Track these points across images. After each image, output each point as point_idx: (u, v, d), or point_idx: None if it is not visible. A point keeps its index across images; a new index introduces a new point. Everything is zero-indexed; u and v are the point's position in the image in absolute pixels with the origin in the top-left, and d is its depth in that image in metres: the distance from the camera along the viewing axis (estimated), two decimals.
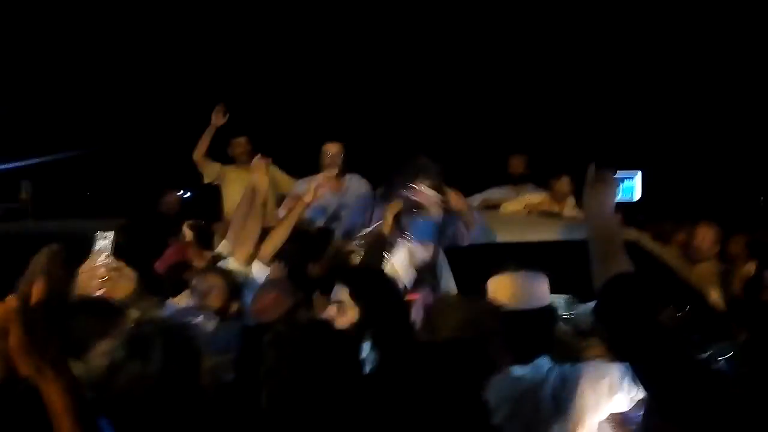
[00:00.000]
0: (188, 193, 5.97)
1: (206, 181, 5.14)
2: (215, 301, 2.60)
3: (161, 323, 2.06)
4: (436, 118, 8.06)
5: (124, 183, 7.15)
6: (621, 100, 8.53)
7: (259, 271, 2.98)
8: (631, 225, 3.93)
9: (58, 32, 7.46)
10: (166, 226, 4.52)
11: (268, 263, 3.00)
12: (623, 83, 8.42)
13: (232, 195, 4.90)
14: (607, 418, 1.96)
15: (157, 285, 3.08)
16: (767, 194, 9.25)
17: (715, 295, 3.73)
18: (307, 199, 3.21)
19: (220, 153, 5.15)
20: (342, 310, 2.34)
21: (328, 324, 1.95)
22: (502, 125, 7.90)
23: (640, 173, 1.79)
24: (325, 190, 3.26)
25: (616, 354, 1.65)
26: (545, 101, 8.42)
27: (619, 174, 1.72)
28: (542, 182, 4.98)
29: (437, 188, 3.19)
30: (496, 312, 2.01)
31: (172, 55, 7.64)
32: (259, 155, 3.32)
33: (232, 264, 2.96)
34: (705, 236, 3.95)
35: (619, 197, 1.73)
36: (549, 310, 2.13)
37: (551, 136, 7.65)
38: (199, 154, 4.99)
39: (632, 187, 1.80)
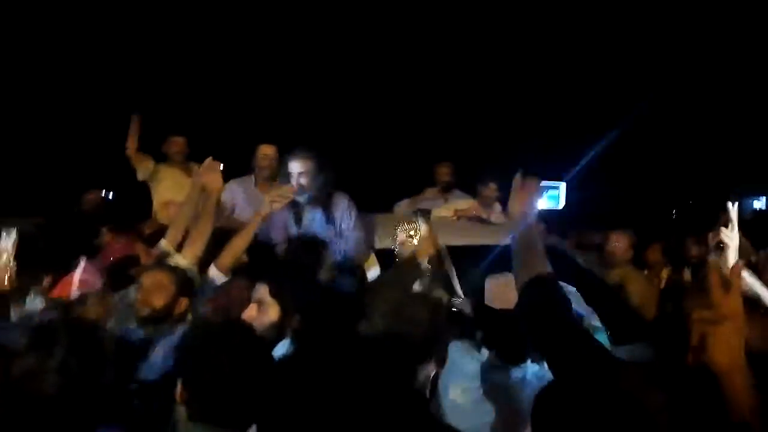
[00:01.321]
0: (110, 193, 5.75)
1: (140, 178, 5.04)
2: (158, 299, 2.54)
3: (70, 319, 2.01)
4: (363, 126, 8.10)
5: (40, 181, 6.83)
6: (549, 112, 8.83)
7: (218, 277, 2.95)
8: (553, 232, 4.10)
9: None
10: (87, 225, 4.36)
11: (227, 274, 2.97)
12: (550, 96, 8.73)
13: (164, 192, 4.91)
14: None
15: None
16: (678, 207, 9.81)
17: (632, 298, 3.94)
18: (265, 212, 3.17)
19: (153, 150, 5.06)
20: (263, 309, 2.34)
21: (235, 324, 1.94)
22: (429, 133, 8.02)
23: (564, 184, 1.87)
24: (281, 206, 3.24)
25: (535, 348, 1.71)
26: (472, 110, 8.61)
27: (544, 184, 1.80)
28: (468, 189, 5.14)
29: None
30: (423, 302, 2.02)
31: (96, 48, 7.36)
32: (210, 158, 3.28)
33: (179, 261, 2.90)
34: (618, 242, 4.16)
35: (544, 205, 1.80)
36: None
37: (478, 145, 7.82)
38: (131, 149, 4.92)
39: (556, 196, 1.87)
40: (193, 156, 5.02)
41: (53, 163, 7.17)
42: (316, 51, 7.88)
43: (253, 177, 4.43)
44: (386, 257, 3.56)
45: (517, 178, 1.72)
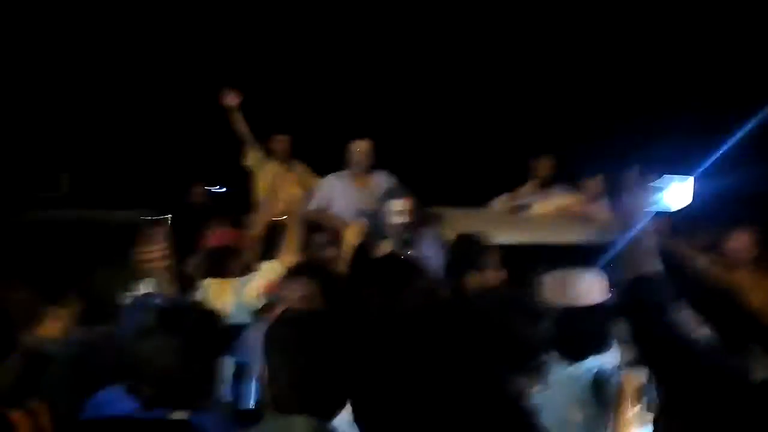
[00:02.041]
0: (216, 188, 6.02)
1: (247, 162, 5.16)
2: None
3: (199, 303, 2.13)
4: (461, 120, 7.95)
5: (152, 177, 7.25)
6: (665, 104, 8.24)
7: None
8: (680, 231, 3.82)
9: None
10: (194, 216, 4.60)
11: None
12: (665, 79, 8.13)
13: (265, 188, 5.01)
14: None
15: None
16: None
17: (754, 302, 3.60)
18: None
19: None
20: None
21: (322, 313, 1.97)
22: (531, 127, 7.73)
23: (691, 179, 1.73)
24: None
25: (636, 349, 1.59)
26: (577, 98, 8.20)
27: (669, 178, 1.68)
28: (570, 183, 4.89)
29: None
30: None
31: (201, 48, 7.70)
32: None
33: (277, 266, 2.91)
34: (740, 240, 3.81)
35: (666, 204, 1.70)
36: (601, 309, 2.00)
37: (580, 137, 7.44)
38: (245, 130, 5.04)
39: (681, 192, 1.73)
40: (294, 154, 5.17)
41: (163, 157, 7.58)
42: (407, 49, 7.81)
43: (348, 172, 4.47)
44: None
45: (631, 173, 1.62)
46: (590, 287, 2.01)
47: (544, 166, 4.98)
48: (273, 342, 1.67)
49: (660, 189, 1.66)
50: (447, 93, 7.91)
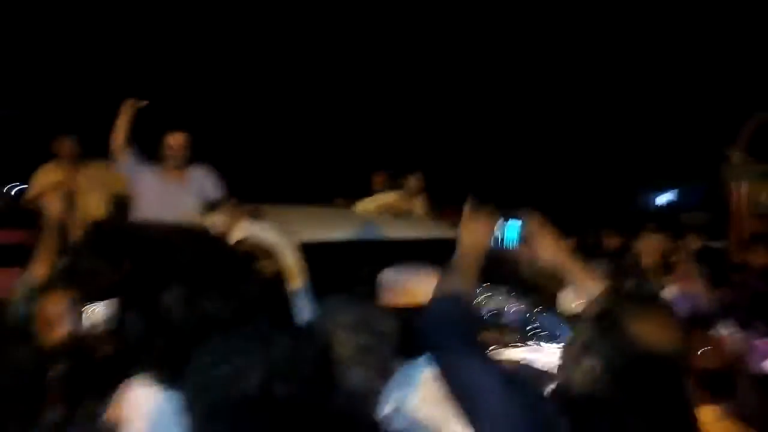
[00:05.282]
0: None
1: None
2: None
3: None
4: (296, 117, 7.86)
5: None
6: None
7: None
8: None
9: None
10: None
11: None
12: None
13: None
14: None
15: None
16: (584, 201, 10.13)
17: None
18: None
19: None
20: None
21: None
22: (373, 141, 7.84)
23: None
24: None
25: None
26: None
27: (511, 216, 1.75)
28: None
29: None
30: (388, 313, 1.88)
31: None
32: None
33: None
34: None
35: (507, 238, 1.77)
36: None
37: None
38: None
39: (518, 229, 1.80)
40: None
41: None
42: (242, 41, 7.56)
43: (162, 165, 4.13)
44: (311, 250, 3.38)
45: (471, 202, 1.65)
46: (426, 285, 1.88)
47: (378, 181, 5.18)
48: None
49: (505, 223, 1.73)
50: (280, 89, 7.76)
